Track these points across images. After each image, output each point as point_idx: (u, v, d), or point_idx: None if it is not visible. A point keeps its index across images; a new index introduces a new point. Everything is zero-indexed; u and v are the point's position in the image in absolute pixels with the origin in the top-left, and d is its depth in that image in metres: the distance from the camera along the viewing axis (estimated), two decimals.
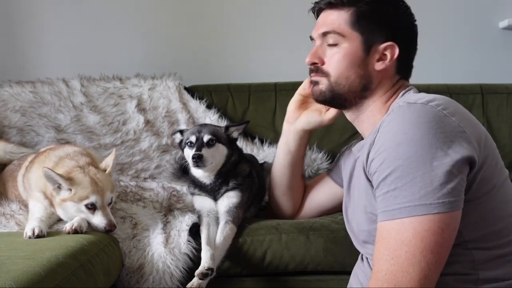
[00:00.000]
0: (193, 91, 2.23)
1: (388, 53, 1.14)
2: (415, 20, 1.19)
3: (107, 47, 2.43)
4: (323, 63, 1.19)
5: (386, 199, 0.92)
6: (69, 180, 1.37)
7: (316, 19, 1.25)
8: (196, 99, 2.19)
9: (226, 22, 2.47)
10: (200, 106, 2.17)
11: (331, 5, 1.18)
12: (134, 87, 2.18)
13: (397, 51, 1.13)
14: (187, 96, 2.19)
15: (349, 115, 1.25)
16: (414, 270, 0.86)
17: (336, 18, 1.16)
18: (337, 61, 1.16)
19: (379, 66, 1.14)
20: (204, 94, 2.23)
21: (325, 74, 1.18)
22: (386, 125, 0.96)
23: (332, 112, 1.39)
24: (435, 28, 2.47)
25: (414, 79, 1.20)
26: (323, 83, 1.19)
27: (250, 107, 2.22)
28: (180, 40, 2.46)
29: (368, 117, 1.19)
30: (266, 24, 2.46)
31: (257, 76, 2.36)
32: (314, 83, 1.22)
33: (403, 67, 1.19)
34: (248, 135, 2.15)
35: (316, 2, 1.23)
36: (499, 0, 2.50)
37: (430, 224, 0.87)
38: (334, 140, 2.07)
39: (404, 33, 1.17)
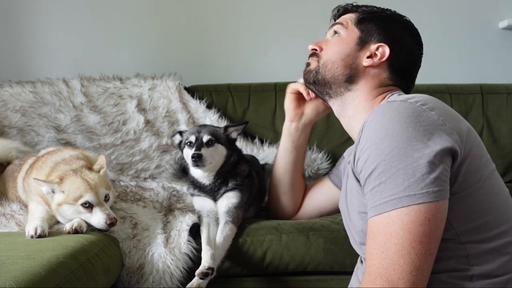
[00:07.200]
0: (193, 91, 2.24)
1: (379, 53, 1.22)
2: (420, 39, 1.27)
3: (107, 47, 2.43)
4: (321, 50, 1.30)
5: (373, 195, 0.93)
6: (61, 182, 1.37)
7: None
8: (196, 99, 2.19)
9: (226, 22, 2.47)
10: (200, 106, 2.17)
11: (346, 11, 1.33)
12: (134, 87, 2.18)
13: (387, 52, 1.21)
14: (187, 96, 2.20)
15: (335, 107, 1.31)
16: (405, 262, 0.87)
17: (347, 17, 1.30)
18: (331, 46, 1.27)
19: (366, 62, 1.22)
20: (204, 94, 2.23)
21: (318, 57, 1.29)
22: (368, 124, 0.98)
23: None
24: (435, 28, 2.48)
25: None
26: (313, 64, 1.30)
27: (250, 107, 2.22)
28: (180, 40, 2.46)
29: (354, 115, 1.24)
30: (266, 24, 2.46)
31: (257, 76, 2.36)
32: (307, 65, 1.33)
33: (397, 73, 1.23)
34: (248, 135, 2.15)
35: (336, 8, 1.38)
36: (499, 0, 2.50)
37: (417, 215, 0.88)
38: (334, 140, 2.07)
39: (400, 43, 1.23)
